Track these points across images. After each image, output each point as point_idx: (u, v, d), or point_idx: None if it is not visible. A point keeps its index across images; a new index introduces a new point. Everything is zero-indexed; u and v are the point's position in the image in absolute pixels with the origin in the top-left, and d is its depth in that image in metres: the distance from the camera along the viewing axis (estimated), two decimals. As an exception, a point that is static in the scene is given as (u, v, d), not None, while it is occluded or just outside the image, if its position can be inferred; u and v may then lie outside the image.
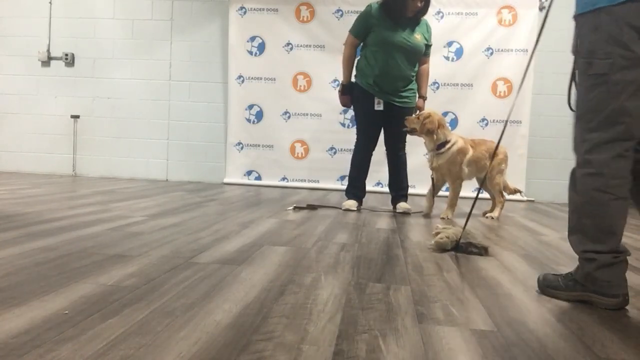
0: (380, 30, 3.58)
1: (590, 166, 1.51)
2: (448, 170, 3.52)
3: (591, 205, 1.52)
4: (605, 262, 1.49)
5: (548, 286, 1.65)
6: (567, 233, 1.63)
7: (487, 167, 3.48)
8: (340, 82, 3.87)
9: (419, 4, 3.54)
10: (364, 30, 3.67)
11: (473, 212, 2.32)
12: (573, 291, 1.58)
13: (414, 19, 3.63)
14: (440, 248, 2.27)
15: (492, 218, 3.63)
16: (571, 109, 1.61)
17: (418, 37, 3.63)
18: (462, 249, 2.25)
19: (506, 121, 2.22)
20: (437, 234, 2.32)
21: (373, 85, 3.66)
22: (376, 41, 3.61)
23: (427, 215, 3.59)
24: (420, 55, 3.70)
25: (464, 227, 2.31)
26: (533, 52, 2.18)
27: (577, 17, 1.56)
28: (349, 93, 3.79)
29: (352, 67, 3.77)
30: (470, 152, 3.57)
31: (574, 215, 1.58)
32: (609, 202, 1.49)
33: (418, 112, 3.80)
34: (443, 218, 3.48)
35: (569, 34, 1.59)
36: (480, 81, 5.33)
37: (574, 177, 1.59)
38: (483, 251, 2.24)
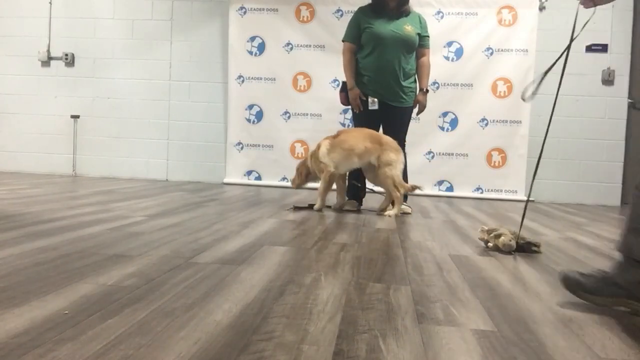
0: (369, 28, 3.65)
1: None
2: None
3: None
4: None
5: (581, 289, 1.51)
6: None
7: (366, 152, 3.45)
8: (341, 81, 3.87)
9: None
10: (355, 33, 3.72)
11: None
12: (613, 296, 1.45)
13: (401, 12, 3.68)
14: (508, 250, 2.29)
15: (389, 216, 3.40)
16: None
17: (408, 27, 3.66)
18: (524, 249, 2.33)
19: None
20: (498, 235, 2.33)
21: (366, 84, 3.68)
22: (367, 39, 3.67)
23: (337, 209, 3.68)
24: (413, 46, 3.70)
25: (520, 228, 2.38)
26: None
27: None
28: (345, 91, 3.80)
29: (354, 70, 3.75)
30: (326, 143, 3.57)
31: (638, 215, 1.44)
32: None
33: (417, 109, 3.80)
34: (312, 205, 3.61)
35: (568, 34, 1.59)
36: (480, 81, 5.33)
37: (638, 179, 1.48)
38: (538, 247, 2.35)
